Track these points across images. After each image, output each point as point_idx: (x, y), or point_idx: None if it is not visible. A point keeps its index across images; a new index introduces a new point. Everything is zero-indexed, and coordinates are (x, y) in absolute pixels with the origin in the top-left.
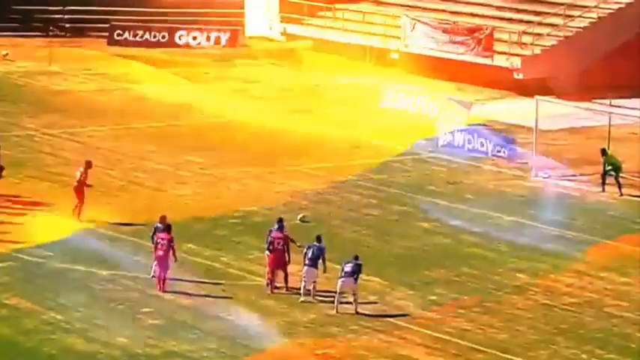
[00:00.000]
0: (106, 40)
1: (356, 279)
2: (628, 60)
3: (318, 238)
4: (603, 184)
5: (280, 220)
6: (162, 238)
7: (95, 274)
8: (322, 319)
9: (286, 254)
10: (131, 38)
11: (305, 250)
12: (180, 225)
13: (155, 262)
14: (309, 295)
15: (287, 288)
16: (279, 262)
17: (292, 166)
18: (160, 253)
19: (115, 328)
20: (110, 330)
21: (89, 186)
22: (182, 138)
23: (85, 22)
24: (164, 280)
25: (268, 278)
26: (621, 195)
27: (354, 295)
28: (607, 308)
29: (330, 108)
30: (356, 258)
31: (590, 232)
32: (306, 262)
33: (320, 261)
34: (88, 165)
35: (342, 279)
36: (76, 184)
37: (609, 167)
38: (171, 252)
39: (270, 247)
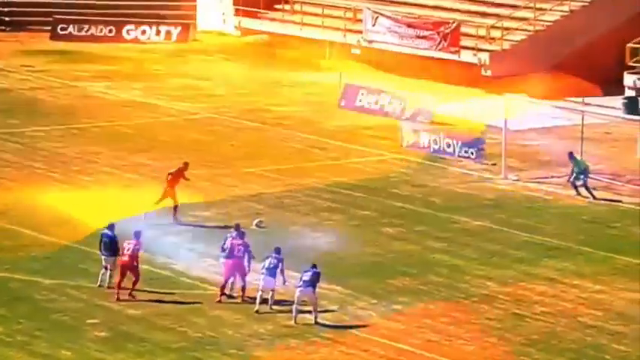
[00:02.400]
0: (48, 35)
1: (315, 288)
2: (602, 55)
3: (277, 250)
4: (575, 188)
5: (238, 227)
6: (128, 243)
7: (37, 283)
8: (280, 330)
9: (247, 263)
10: (76, 33)
11: (263, 260)
12: (128, 231)
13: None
14: (266, 303)
15: (243, 298)
16: (239, 270)
17: (248, 167)
18: (126, 258)
19: (58, 341)
20: (53, 343)
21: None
22: (130, 138)
23: (26, 15)
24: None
25: (220, 286)
26: (594, 198)
27: (313, 304)
28: (581, 318)
29: (287, 107)
30: (314, 266)
31: (563, 238)
32: (263, 271)
33: (278, 271)
34: (185, 167)
35: (301, 288)
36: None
37: (577, 172)
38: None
39: (229, 254)
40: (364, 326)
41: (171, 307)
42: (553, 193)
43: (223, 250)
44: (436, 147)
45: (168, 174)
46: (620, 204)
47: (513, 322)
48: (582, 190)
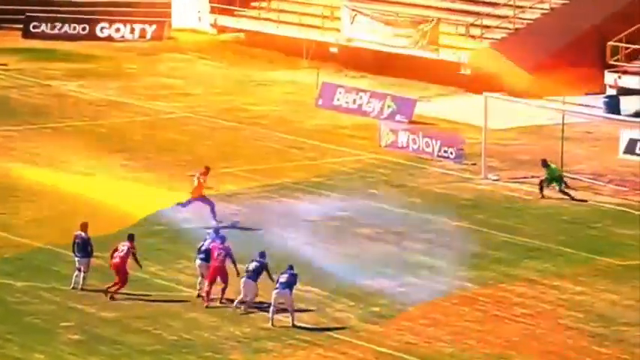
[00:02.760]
0: (21, 33)
1: (292, 290)
2: (583, 54)
3: (262, 254)
4: (541, 190)
5: (217, 230)
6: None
7: (9, 286)
8: (256, 332)
9: (232, 266)
10: (49, 31)
11: (248, 263)
12: (102, 232)
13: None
14: (244, 304)
15: (222, 300)
16: (221, 274)
17: (224, 168)
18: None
19: (30, 344)
20: (25, 346)
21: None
22: (104, 138)
23: None
24: None
25: (205, 291)
26: (572, 199)
27: (290, 307)
28: (561, 320)
29: (264, 106)
30: (291, 267)
31: (543, 239)
32: (246, 273)
33: (262, 275)
34: (207, 170)
35: (277, 290)
36: (192, 191)
37: (549, 179)
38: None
39: (207, 258)
40: (342, 328)
41: (145, 310)
42: (533, 193)
43: (200, 251)
44: (415, 147)
45: (198, 176)
46: (601, 204)
47: (493, 324)
48: (547, 192)
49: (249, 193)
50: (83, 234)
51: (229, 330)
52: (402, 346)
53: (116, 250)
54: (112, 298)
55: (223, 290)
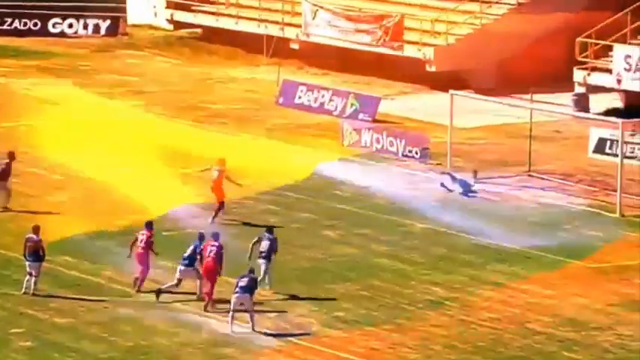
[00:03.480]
0: None
1: (252, 294)
2: (552, 50)
3: (251, 270)
4: (443, 185)
5: (202, 236)
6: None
7: None
8: (215, 338)
9: (219, 265)
10: None
11: (254, 241)
12: (55, 236)
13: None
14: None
15: (205, 299)
16: (210, 274)
17: (182, 169)
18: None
19: None
20: None
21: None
22: (57, 138)
23: None
24: None
25: (205, 293)
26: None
27: (250, 311)
28: (529, 324)
29: (222, 104)
30: (251, 271)
31: (510, 241)
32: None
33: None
34: (223, 161)
35: (237, 294)
36: (212, 184)
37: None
38: None
39: (192, 263)
40: (305, 334)
41: (100, 315)
42: (501, 194)
43: (184, 258)
44: (379, 146)
45: (217, 168)
46: (570, 206)
47: (459, 329)
48: (518, 193)
49: (208, 195)
50: (35, 237)
51: (187, 336)
52: (367, 352)
53: (136, 240)
54: (138, 290)
55: (209, 289)
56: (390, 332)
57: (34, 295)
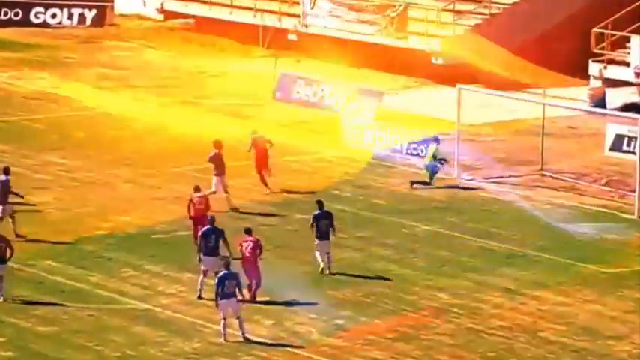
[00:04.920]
0: None
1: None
2: (566, 41)
3: (319, 203)
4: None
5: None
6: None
7: None
8: (207, 347)
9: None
10: None
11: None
12: (39, 238)
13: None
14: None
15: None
16: (251, 269)
17: (174, 167)
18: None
19: None
20: None
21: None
22: (41, 135)
23: None
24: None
25: (248, 288)
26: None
27: (238, 317)
28: (541, 333)
29: (216, 99)
30: (227, 266)
31: (521, 244)
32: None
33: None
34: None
35: (223, 300)
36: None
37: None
38: None
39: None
40: (302, 346)
41: (86, 324)
42: (510, 194)
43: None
44: (382, 144)
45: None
46: (584, 207)
47: (467, 338)
48: (526, 193)
49: (203, 195)
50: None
51: (178, 345)
52: None
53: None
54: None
55: (254, 287)
56: (393, 341)
57: (13, 301)
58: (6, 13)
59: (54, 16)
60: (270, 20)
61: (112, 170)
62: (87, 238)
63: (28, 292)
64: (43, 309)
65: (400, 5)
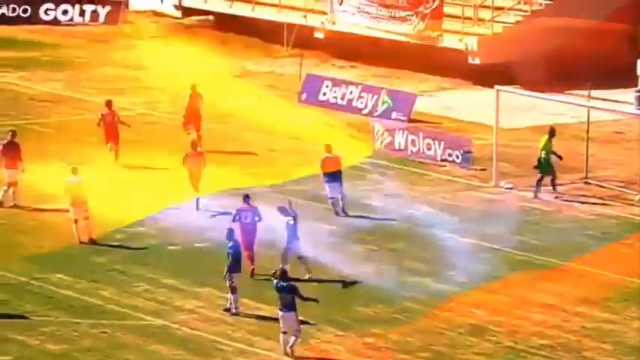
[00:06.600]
0: None
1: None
2: (612, 39)
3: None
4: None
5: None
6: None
7: None
8: None
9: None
10: None
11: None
12: (47, 249)
13: None
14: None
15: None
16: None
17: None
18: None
19: None
20: None
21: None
22: (49, 138)
23: None
24: None
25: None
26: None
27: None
28: (586, 352)
29: (237, 101)
30: (284, 273)
31: (564, 257)
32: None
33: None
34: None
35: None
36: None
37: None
38: None
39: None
40: None
41: (98, 341)
42: (553, 203)
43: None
44: (414, 149)
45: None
46: (632, 217)
47: (506, 357)
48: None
49: (220, 202)
50: None
51: None
52: None
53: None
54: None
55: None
56: None
57: (23, 317)
58: (14, 10)
59: (65, 12)
60: (295, 17)
61: (128, 175)
62: (98, 250)
63: (35, 308)
64: (51, 325)
65: (435, 1)
